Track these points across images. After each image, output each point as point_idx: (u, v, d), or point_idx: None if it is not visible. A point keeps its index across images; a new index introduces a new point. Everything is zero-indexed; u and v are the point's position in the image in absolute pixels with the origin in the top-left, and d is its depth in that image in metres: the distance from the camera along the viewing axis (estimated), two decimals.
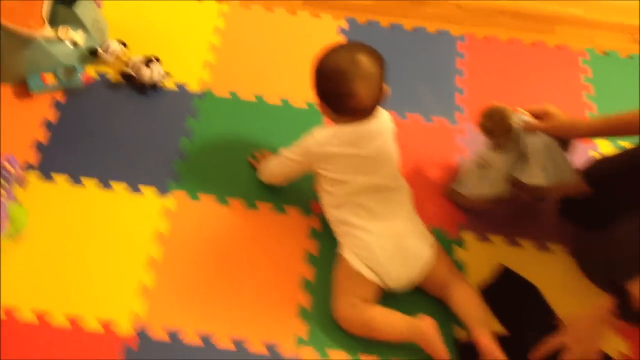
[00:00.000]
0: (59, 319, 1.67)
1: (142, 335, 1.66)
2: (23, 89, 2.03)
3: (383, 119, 1.73)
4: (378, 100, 1.66)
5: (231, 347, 1.66)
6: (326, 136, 1.69)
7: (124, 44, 2.13)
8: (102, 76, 2.11)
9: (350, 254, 1.69)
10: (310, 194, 1.90)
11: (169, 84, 2.11)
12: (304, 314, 1.72)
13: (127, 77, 2.08)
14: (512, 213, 1.90)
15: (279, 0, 2.37)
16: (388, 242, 1.68)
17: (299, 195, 1.91)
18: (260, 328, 1.70)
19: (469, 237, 1.87)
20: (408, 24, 2.35)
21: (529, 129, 1.71)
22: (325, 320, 1.71)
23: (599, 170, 1.81)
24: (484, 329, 1.62)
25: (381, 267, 1.67)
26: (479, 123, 1.76)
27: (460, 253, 1.84)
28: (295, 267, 1.79)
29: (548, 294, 1.77)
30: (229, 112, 2.08)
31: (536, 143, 1.70)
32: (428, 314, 1.67)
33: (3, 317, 1.67)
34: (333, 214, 1.74)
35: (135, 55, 2.10)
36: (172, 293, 1.73)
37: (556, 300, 1.76)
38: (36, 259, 1.76)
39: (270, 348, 1.67)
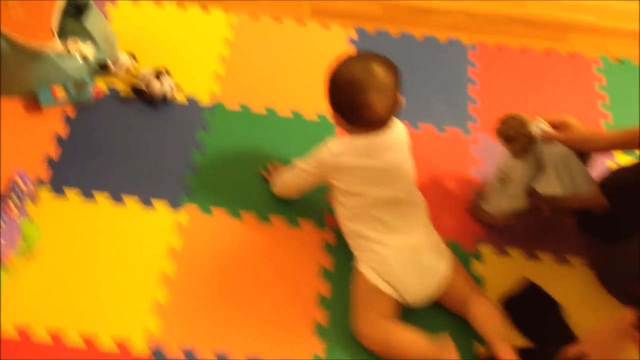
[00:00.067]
0: (73, 338, 1.65)
1: (157, 354, 1.64)
2: (33, 103, 2.02)
3: (398, 130, 1.71)
4: (393, 111, 1.64)
5: None
6: (340, 147, 1.67)
7: (134, 57, 2.12)
8: (112, 89, 2.09)
9: (367, 268, 1.67)
10: (324, 206, 1.88)
11: (180, 97, 2.09)
12: (320, 331, 1.70)
13: (137, 90, 2.06)
14: (530, 226, 1.88)
15: (287, 11, 2.35)
16: (405, 256, 1.66)
17: (312, 208, 1.89)
18: (276, 346, 1.67)
19: (486, 250, 1.85)
20: (418, 33, 2.34)
21: (547, 138, 1.70)
22: (342, 337, 1.68)
23: (616, 180, 1.79)
24: (504, 343, 1.60)
25: (399, 282, 1.65)
26: (497, 130, 1.74)
27: (478, 267, 1.82)
28: (310, 282, 1.77)
29: (567, 307, 1.74)
30: (240, 124, 2.06)
31: (553, 153, 1.68)
32: (447, 329, 1.66)
33: (16, 336, 1.65)
34: (348, 226, 1.72)
35: (145, 68, 2.09)
36: (186, 310, 1.71)
37: (575, 313, 1.74)
38: (49, 276, 1.74)
39: None
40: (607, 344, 1.53)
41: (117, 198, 1.88)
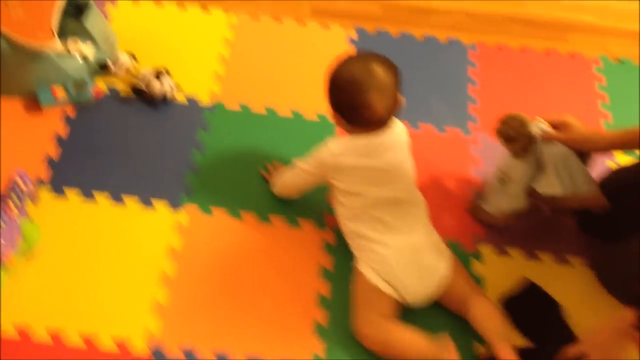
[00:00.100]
0: (73, 338, 1.65)
1: (157, 354, 1.64)
2: (33, 103, 2.02)
3: (398, 131, 1.71)
4: (393, 111, 1.64)
5: None
6: (340, 147, 1.67)
7: (134, 57, 2.12)
8: (112, 89, 2.09)
9: (367, 268, 1.67)
10: (324, 206, 1.88)
11: (180, 97, 2.09)
12: (320, 330, 1.70)
13: (137, 90, 2.06)
14: (530, 226, 1.88)
15: (287, 11, 2.35)
16: (405, 256, 1.66)
17: (312, 208, 1.89)
18: (276, 346, 1.67)
19: (486, 250, 1.85)
20: (418, 33, 2.34)
21: (547, 138, 1.70)
22: (342, 337, 1.68)
23: (616, 180, 1.79)
24: (504, 343, 1.60)
25: (399, 281, 1.65)
26: (497, 129, 1.74)
27: (478, 267, 1.82)
28: (310, 282, 1.77)
29: (567, 307, 1.74)
30: (240, 124, 2.06)
31: (553, 153, 1.68)
32: (447, 329, 1.66)
33: (16, 336, 1.65)
34: (348, 226, 1.72)
35: (145, 68, 2.09)
36: (186, 310, 1.71)
37: (575, 313, 1.74)
38: (48, 276, 1.74)
39: None
40: (607, 344, 1.53)
41: (117, 198, 1.88)
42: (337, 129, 2.00)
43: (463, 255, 1.81)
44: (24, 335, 1.65)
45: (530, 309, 1.74)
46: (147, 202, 1.88)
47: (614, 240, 1.76)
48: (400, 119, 1.73)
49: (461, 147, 2.05)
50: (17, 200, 1.73)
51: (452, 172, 2.00)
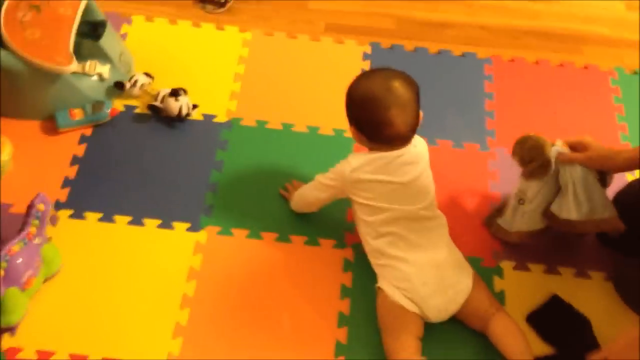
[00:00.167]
0: None
1: None
2: (50, 125, 2.02)
3: (419, 146, 1.71)
4: (414, 127, 1.64)
5: None
6: (361, 162, 1.66)
7: (150, 76, 2.12)
8: (130, 109, 2.09)
9: (389, 286, 1.67)
10: (344, 225, 1.88)
11: (197, 116, 2.09)
12: (342, 349, 1.69)
13: (154, 109, 2.06)
14: (550, 240, 1.86)
15: (301, 27, 2.36)
16: (428, 274, 1.65)
17: (332, 227, 1.88)
18: None
19: (507, 266, 1.84)
20: (433, 47, 2.34)
21: (565, 160, 1.69)
22: (364, 355, 1.68)
23: (634, 195, 1.78)
24: None
25: (421, 299, 1.64)
26: (514, 153, 1.73)
27: (498, 282, 1.81)
28: (331, 301, 1.76)
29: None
30: (257, 141, 2.06)
31: (572, 175, 1.67)
32: (468, 346, 1.67)
33: None
34: (371, 244, 1.71)
35: (161, 87, 2.09)
36: (208, 332, 1.70)
37: (596, 327, 1.73)
38: (69, 299, 1.73)
39: None
40: (628, 352, 1.52)
41: (137, 220, 1.87)
42: (355, 144, 2.00)
43: (483, 271, 1.80)
44: None
45: (557, 322, 1.74)
46: (166, 223, 1.87)
47: (636, 254, 1.75)
48: (418, 134, 1.72)
49: (479, 162, 2.05)
50: (37, 223, 1.73)
51: (470, 187, 1.99)
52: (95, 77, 2.02)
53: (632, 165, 1.67)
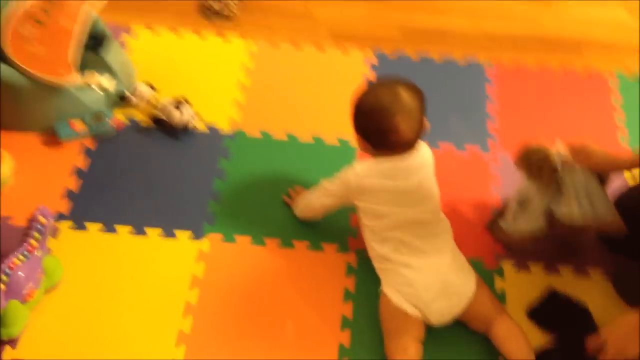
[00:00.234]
0: None
1: None
2: (51, 137, 2.02)
3: (424, 153, 1.71)
4: (419, 134, 1.65)
5: None
6: (366, 169, 1.67)
7: (153, 87, 2.13)
8: (132, 120, 2.10)
9: (393, 291, 1.66)
10: (347, 230, 1.88)
11: (200, 126, 2.10)
12: (345, 352, 1.69)
13: (157, 120, 2.07)
14: (551, 241, 1.85)
15: (306, 37, 2.37)
16: (431, 279, 1.65)
17: (335, 232, 1.89)
18: None
19: (508, 266, 1.85)
20: (436, 53, 2.34)
21: (567, 164, 1.69)
22: (367, 359, 1.68)
23: (634, 198, 1.78)
24: None
25: (424, 304, 1.64)
26: (520, 166, 1.74)
27: (499, 282, 1.81)
28: (334, 305, 1.76)
29: None
30: (261, 151, 2.06)
31: (574, 179, 1.68)
32: (471, 349, 1.67)
33: None
34: (376, 250, 1.72)
35: (165, 98, 2.10)
36: (211, 339, 1.70)
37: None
38: (72, 311, 1.73)
39: None
40: (626, 336, 1.51)
41: (139, 230, 1.88)
42: (359, 153, 2.01)
43: (485, 272, 1.81)
44: None
45: (558, 315, 1.75)
46: (169, 233, 1.87)
47: (637, 256, 1.74)
48: (421, 139, 1.73)
49: (481, 165, 2.05)
50: (38, 236, 1.73)
51: (472, 190, 2.00)
52: (97, 89, 2.02)
53: (633, 165, 1.67)
